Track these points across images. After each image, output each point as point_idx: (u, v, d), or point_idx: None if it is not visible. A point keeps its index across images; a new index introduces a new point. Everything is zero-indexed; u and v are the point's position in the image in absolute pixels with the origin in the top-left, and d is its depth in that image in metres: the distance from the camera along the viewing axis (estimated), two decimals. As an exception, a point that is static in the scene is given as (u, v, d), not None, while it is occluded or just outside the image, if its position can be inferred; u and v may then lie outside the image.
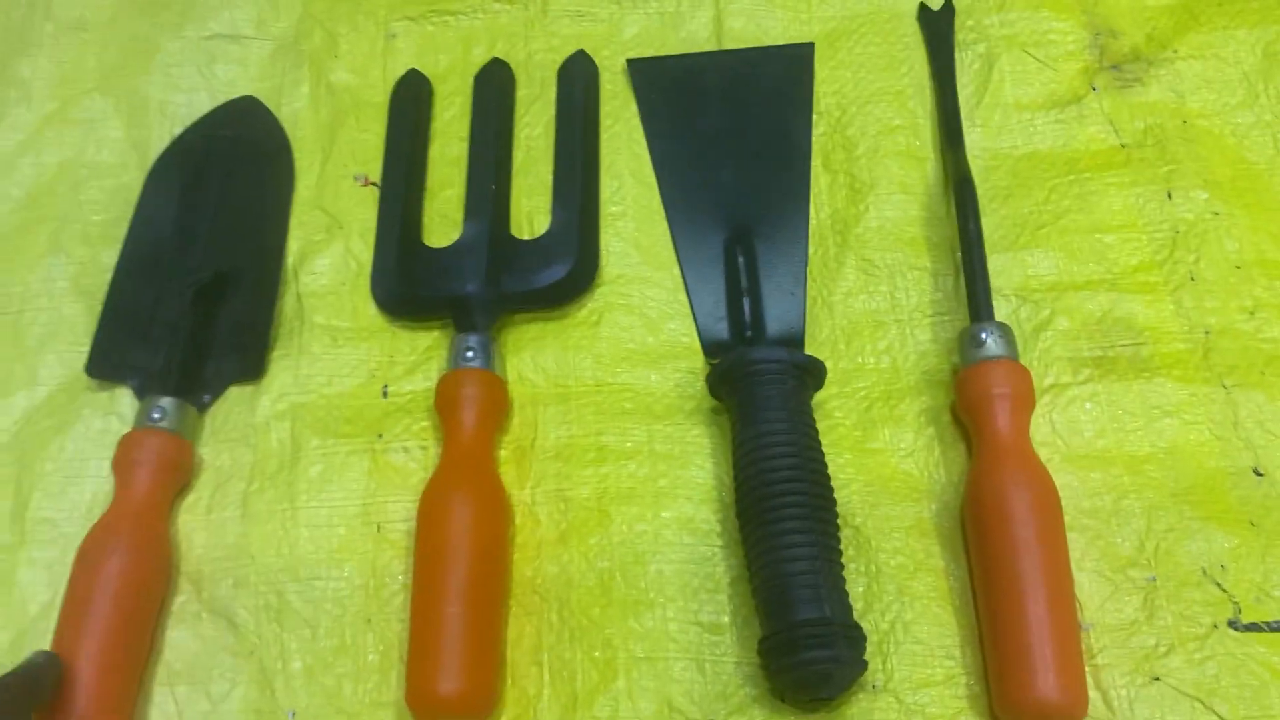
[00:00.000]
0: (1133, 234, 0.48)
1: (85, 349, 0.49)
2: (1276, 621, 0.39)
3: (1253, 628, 0.39)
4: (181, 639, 0.43)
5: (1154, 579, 0.41)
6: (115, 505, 0.44)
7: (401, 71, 0.55)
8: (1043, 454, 0.42)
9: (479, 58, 0.56)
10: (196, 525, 0.45)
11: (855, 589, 0.41)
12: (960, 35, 0.53)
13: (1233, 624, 0.39)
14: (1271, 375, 0.44)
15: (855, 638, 0.38)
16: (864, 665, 0.38)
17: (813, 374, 0.43)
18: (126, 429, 0.46)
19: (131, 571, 0.42)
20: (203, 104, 0.56)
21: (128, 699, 0.41)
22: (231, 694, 0.42)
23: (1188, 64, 0.52)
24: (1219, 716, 0.38)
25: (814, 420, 0.43)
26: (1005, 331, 0.43)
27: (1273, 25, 0.52)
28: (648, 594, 0.42)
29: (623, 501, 0.44)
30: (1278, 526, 0.41)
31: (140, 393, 0.47)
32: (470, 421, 0.44)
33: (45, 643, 0.42)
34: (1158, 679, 0.39)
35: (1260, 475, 0.42)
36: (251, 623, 0.43)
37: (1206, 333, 0.45)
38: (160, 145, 0.55)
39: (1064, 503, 0.41)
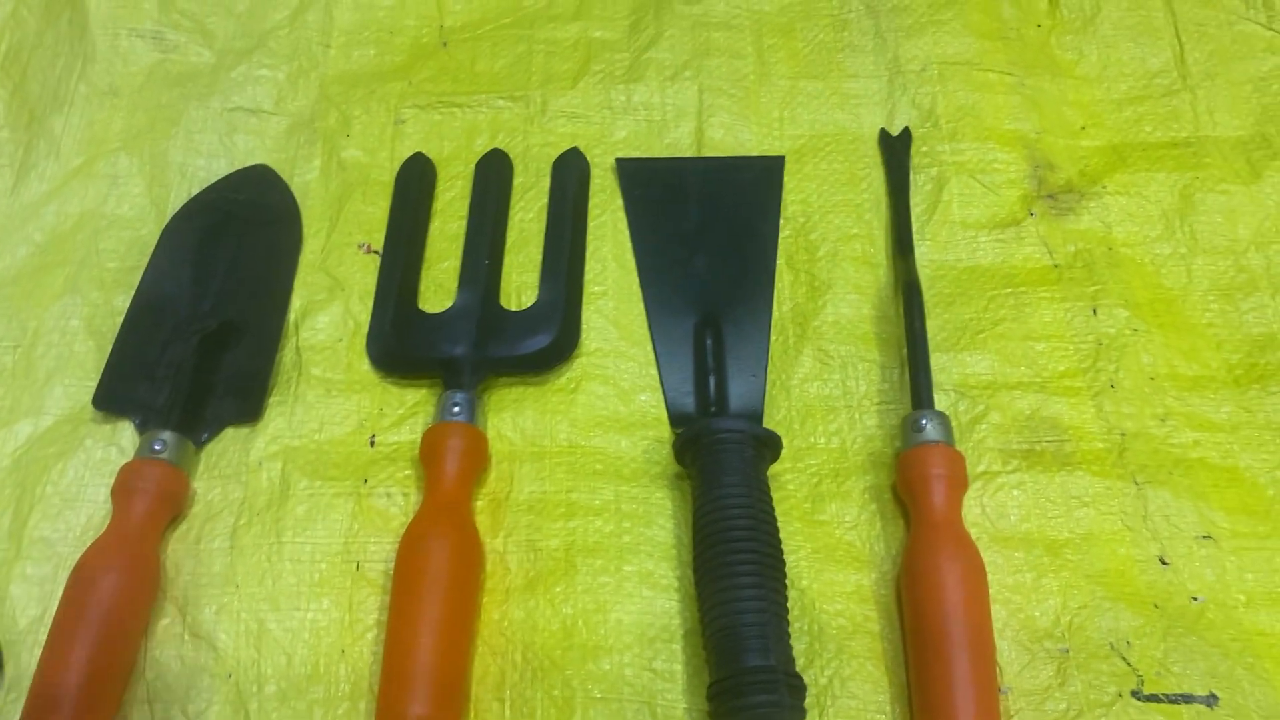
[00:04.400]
0: (1061, 343, 0.53)
1: (92, 384, 0.52)
2: (1174, 694, 0.43)
3: (1153, 698, 0.43)
4: (164, 659, 0.45)
5: (1067, 650, 0.45)
6: (111, 529, 0.46)
7: (408, 154, 0.60)
8: (973, 533, 0.46)
9: (481, 147, 0.61)
10: (185, 554, 0.48)
11: (798, 645, 0.44)
12: (915, 159, 0.59)
13: (1135, 694, 0.43)
14: (1178, 475, 0.49)
15: (797, 686, 0.41)
16: (803, 714, 0.42)
17: (770, 446, 0.48)
18: (125, 460, 0.49)
19: (122, 592, 0.44)
20: (221, 169, 0.60)
21: (109, 712, 0.43)
22: (207, 712, 0.44)
23: (1115, 199, 0.58)
24: (1121, 777, 0.42)
25: (769, 488, 0.47)
26: (943, 419, 0.48)
27: (1189, 171, 0.59)
28: (607, 640, 0.45)
29: (588, 554, 0.48)
30: (1179, 610, 0.45)
31: (142, 427, 0.51)
32: (452, 471, 0.48)
33: (33, 655, 0.44)
34: (1067, 740, 0.43)
35: (1165, 564, 0.47)
36: (231, 647, 0.46)
37: (1122, 434, 0.50)
38: (178, 203, 0.59)
39: (989, 577, 0.45)
